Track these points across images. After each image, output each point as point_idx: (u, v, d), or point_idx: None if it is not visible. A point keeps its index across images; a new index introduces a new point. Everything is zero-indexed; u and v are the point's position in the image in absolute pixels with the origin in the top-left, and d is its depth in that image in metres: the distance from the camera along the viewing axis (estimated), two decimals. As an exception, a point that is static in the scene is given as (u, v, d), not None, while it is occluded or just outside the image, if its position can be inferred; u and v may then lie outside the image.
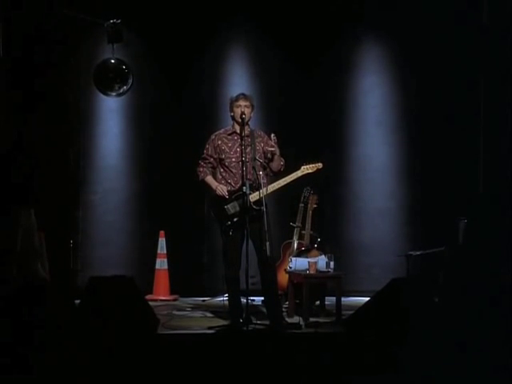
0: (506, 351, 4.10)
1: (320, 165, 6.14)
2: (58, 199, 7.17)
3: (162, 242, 7.78)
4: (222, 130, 6.05)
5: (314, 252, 6.81)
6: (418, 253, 7.07)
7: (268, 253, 5.58)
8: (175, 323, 6.05)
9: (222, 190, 5.83)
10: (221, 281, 6.26)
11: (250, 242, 5.66)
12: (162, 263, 7.75)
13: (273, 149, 5.87)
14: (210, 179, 5.97)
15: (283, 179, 5.98)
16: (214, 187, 5.90)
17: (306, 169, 6.09)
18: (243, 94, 5.93)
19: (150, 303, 5.27)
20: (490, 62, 6.97)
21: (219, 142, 5.94)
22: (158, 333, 4.83)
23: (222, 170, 5.96)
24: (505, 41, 6.41)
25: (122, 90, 7.16)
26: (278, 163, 5.94)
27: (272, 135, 5.93)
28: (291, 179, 6.00)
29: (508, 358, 4.07)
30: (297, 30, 7.91)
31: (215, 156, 5.95)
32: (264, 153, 5.96)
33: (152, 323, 4.71)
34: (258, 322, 5.82)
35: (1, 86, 6.20)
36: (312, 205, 7.13)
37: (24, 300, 4.15)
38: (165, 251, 7.76)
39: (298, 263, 6.48)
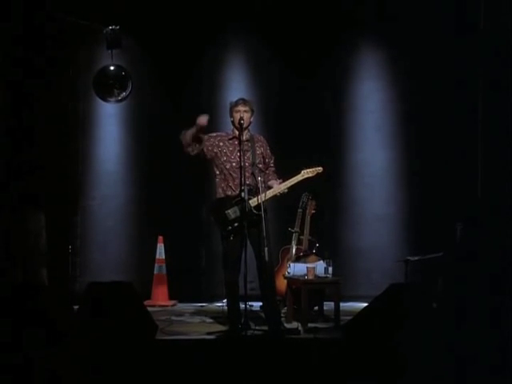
0: (505, 357, 4.10)
1: (320, 169, 6.13)
2: (56, 204, 7.15)
3: (160, 247, 7.77)
4: (223, 133, 6.03)
5: (313, 257, 6.80)
6: (417, 258, 7.05)
7: (266, 258, 5.57)
8: (174, 328, 6.04)
9: (201, 118, 5.69)
10: (219, 286, 6.26)
11: (249, 247, 5.65)
12: (160, 268, 7.74)
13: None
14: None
15: (284, 183, 5.97)
16: (193, 128, 5.73)
17: (307, 173, 6.06)
18: (242, 99, 5.92)
19: (149, 309, 5.28)
20: (488, 68, 6.97)
21: (221, 144, 5.91)
22: (156, 338, 4.83)
23: (222, 175, 5.92)
24: (503, 46, 6.41)
25: (121, 96, 7.17)
26: (273, 179, 5.98)
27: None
28: (291, 183, 5.98)
29: (508, 363, 4.07)
30: (295, 36, 7.92)
31: (211, 147, 5.86)
32: (263, 157, 5.96)
33: (150, 329, 4.71)
34: (257, 327, 5.80)
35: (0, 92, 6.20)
36: (310, 210, 7.12)
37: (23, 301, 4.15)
38: (163, 256, 7.75)
39: (297, 268, 6.47)
